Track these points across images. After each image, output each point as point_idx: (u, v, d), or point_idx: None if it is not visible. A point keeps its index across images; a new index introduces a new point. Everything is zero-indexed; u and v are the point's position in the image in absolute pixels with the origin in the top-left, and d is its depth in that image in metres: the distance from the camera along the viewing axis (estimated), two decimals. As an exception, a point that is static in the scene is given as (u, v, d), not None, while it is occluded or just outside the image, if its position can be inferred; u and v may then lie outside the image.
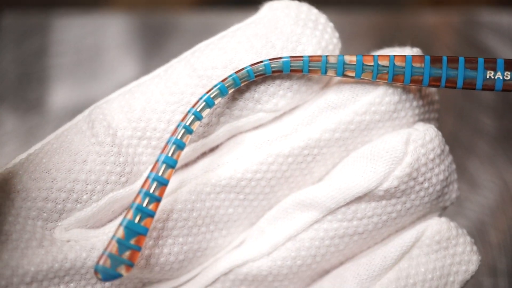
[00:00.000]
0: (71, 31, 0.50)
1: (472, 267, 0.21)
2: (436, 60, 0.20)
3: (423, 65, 0.20)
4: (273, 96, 0.21)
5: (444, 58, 0.20)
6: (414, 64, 0.20)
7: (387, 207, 0.21)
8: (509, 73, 0.20)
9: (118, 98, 0.21)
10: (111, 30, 0.50)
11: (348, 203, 0.21)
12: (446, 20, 0.51)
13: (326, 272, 0.22)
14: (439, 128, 0.22)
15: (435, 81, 0.20)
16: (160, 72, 0.21)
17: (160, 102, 0.20)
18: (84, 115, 0.21)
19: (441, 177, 0.21)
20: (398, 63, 0.20)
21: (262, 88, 0.21)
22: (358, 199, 0.21)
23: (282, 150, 0.21)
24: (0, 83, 0.47)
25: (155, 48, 0.50)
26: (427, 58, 0.20)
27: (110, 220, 0.21)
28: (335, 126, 0.21)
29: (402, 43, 0.23)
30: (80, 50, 0.49)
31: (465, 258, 0.21)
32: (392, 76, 0.20)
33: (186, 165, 0.21)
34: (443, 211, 0.23)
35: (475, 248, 0.22)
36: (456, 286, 0.21)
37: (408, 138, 0.20)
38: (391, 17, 0.51)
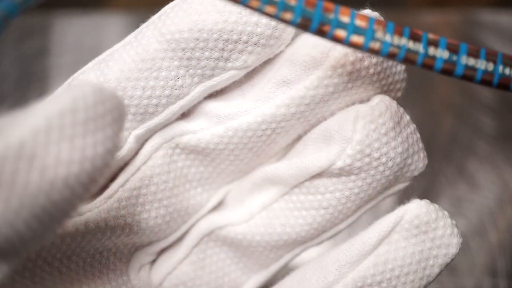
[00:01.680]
0: (71, 31, 0.50)
1: (452, 250, 0.21)
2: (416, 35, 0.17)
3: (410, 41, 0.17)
4: (241, 53, 0.21)
5: (443, 40, 0.17)
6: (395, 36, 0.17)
7: (347, 183, 0.21)
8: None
9: (93, 69, 0.21)
10: (111, 30, 0.50)
11: (310, 178, 0.21)
12: (446, 20, 0.51)
13: (300, 243, 0.23)
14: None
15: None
16: (130, 39, 0.21)
17: (133, 70, 0.21)
18: (63, 88, 0.21)
19: (399, 149, 0.21)
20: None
21: (230, 46, 0.21)
22: (318, 175, 0.21)
23: (241, 125, 0.21)
24: (1, 83, 0.47)
25: (155, 48, 0.50)
26: (407, 29, 0.17)
27: None
28: (289, 101, 0.21)
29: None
30: (80, 50, 0.49)
31: (445, 241, 0.21)
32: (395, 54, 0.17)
33: (165, 126, 0.22)
34: (413, 181, 0.22)
35: (456, 230, 0.21)
36: (436, 269, 0.21)
37: (357, 115, 0.20)
38: (391, 17, 0.51)
